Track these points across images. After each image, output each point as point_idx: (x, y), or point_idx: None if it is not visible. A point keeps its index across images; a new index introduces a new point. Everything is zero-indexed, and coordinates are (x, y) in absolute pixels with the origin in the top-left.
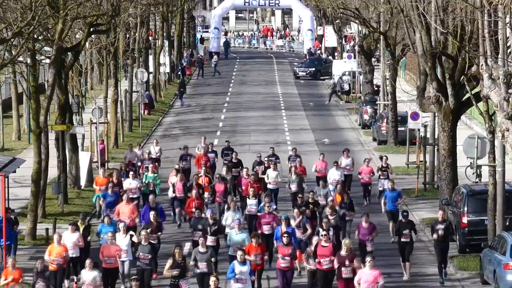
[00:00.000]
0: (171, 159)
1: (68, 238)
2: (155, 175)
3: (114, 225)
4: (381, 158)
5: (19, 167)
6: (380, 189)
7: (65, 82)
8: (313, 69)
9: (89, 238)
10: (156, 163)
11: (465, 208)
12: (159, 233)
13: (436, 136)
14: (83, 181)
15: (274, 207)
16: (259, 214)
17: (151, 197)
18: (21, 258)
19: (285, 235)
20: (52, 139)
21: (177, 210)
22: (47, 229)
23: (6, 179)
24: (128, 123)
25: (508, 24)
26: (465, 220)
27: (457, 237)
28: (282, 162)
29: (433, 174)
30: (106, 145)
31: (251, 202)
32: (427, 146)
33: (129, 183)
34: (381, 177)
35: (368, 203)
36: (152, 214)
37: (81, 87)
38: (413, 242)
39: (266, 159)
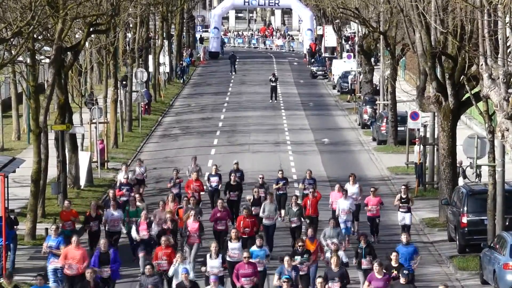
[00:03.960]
0: (170, 159)
1: None
2: (138, 209)
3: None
4: (400, 190)
5: (18, 167)
6: (401, 224)
7: (65, 82)
8: None
9: None
10: (137, 186)
11: (465, 208)
12: None
13: (435, 136)
14: (82, 181)
15: (264, 252)
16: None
17: (102, 241)
18: (21, 258)
19: None
20: (51, 139)
21: (140, 254)
22: (46, 229)
23: (6, 179)
24: (127, 123)
25: (508, 24)
26: (464, 220)
27: (457, 237)
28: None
29: (433, 174)
30: (105, 145)
31: (234, 246)
32: (427, 146)
33: (112, 213)
34: (400, 209)
35: (376, 241)
36: (88, 272)
37: (81, 87)
38: None
39: (256, 188)
